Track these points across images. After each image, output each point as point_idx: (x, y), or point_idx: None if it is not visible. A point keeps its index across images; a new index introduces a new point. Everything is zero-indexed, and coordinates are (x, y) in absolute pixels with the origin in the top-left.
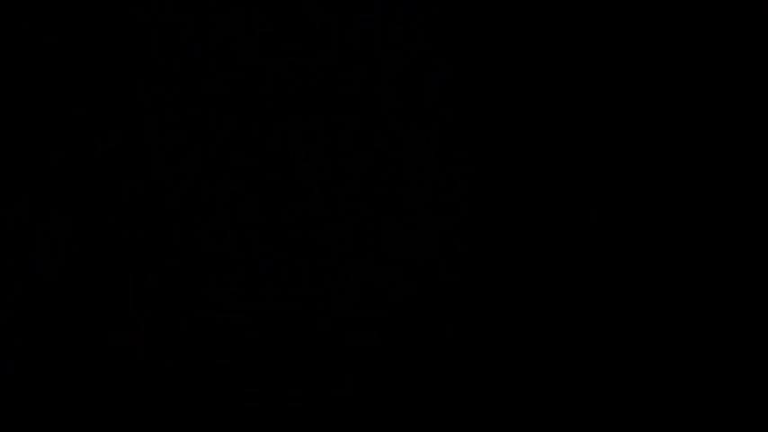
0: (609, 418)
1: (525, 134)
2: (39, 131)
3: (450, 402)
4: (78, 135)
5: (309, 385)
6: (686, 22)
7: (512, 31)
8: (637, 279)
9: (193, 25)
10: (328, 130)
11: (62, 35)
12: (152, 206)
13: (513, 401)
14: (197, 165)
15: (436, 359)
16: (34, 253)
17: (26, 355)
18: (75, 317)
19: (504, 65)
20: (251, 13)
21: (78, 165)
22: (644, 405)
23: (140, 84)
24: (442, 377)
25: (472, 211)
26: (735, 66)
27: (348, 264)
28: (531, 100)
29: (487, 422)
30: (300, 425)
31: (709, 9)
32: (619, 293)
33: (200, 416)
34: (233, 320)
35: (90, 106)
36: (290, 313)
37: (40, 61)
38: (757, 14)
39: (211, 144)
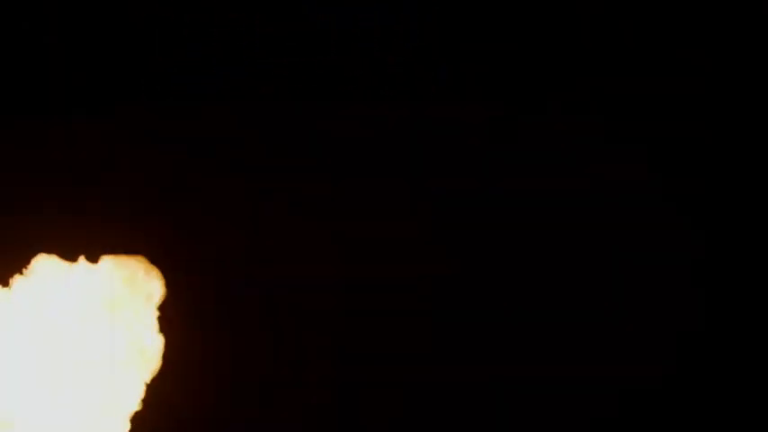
0: (609, 418)
1: (525, 134)
2: (39, 131)
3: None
4: (78, 134)
5: None
6: (686, 22)
7: (512, 31)
8: (636, 279)
9: (193, 25)
10: (329, 130)
11: (62, 35)
12: (152, 205)
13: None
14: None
15: None
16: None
17: None
18: None
19: (504, 65)
20: (251, 13)
21: (78, 164)
22: (644, 405)
23: (140, 84)
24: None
25: (472, 210)
26: (735, 66)
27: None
28: (530, 100)
29: (488, 421)
30: None
31: (709, 9)
32: (618, 293)
33: None
34: None
35: (89, 106)
36: None
37: (40, 61)
38: (757, 14)
39: (211, 144)
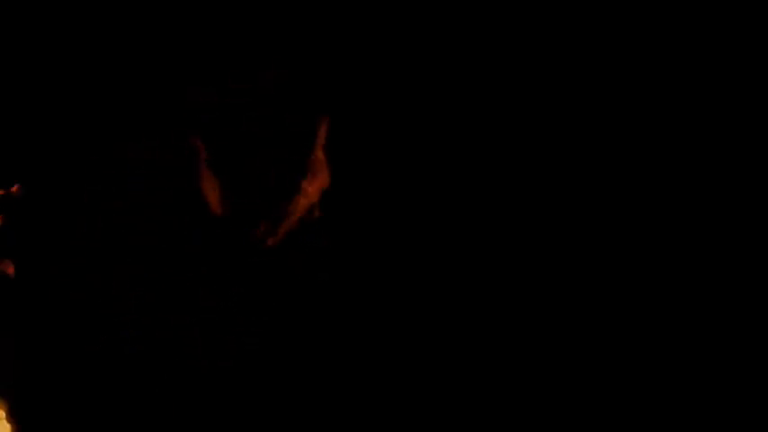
0: (609, 418)
1: (524, 134)
2: (39, 131)
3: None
4: (77, 135)
5: None
6: (686, 22)
7: (512, 30)
8: (636, 278)
9: (193, 25)
10: (329, 129)
11: (62, 35)
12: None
13: (513, 401)
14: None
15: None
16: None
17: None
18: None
19: (504, 65)
20: (250, 14)
21: (78, 164)
22: (644, 405)
23: (139, 84)
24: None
25: (472, 209)
26: (734, 65)
27: None
28: (530, 100)
29: (487, 422)
30: None
31: (709, 9)
32: (618, 293)
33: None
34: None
35: (88, 106)
36: None
37: (40, 61)
38: (757, 14)
39: (212, 144)
